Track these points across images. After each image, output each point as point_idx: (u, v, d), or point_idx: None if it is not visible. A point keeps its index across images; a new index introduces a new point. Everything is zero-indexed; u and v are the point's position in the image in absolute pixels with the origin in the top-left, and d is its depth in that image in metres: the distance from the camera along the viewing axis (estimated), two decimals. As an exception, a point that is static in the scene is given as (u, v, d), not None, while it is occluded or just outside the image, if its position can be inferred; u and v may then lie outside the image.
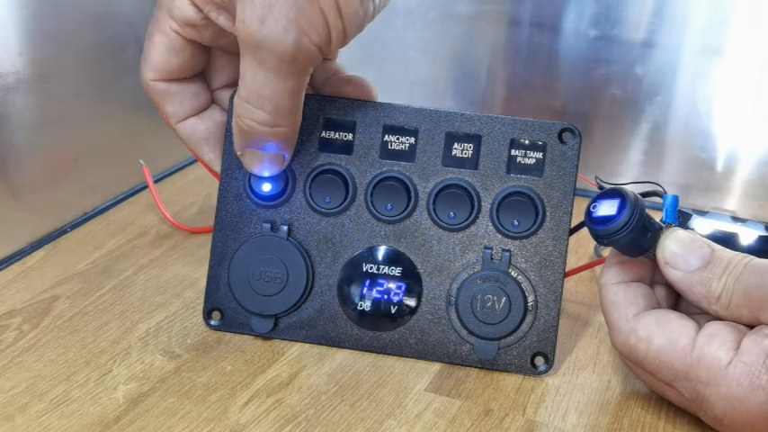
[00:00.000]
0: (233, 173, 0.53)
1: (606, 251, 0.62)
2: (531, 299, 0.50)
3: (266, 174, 0.51)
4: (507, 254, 0.51)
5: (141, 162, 0.67)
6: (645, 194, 0.48)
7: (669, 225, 0.47)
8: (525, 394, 0.49)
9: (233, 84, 0.55)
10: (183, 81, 0.53)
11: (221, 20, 0.49)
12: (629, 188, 0.47)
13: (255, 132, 0.48)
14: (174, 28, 0.50)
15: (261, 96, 0.46)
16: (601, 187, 0.49)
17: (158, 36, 0.51)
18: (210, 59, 0.54)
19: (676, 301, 0.49)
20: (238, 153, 0.50)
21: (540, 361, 0.51)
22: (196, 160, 0.61)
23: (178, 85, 0.52)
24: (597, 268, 0.61)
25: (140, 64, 0.52)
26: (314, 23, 0.44)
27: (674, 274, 0.46)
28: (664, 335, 0.45)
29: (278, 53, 0.44)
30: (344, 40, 0.46)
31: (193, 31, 0.51)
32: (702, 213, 0.65)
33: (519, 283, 0.50)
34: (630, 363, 0.48)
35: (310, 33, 0.45)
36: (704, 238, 0.47)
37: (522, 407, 0.48)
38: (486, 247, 0.51)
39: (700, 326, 0.45)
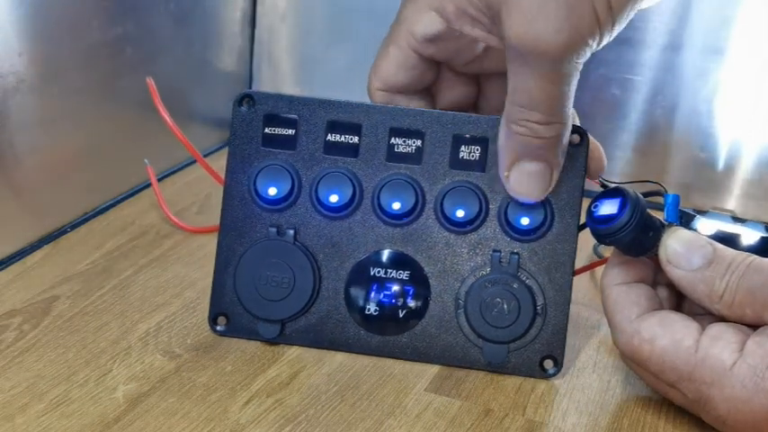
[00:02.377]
0: (238, 176, 0.52)
1: (607, 250, 0.62)
2: (540, 301, 0.50)
3: (533, 195, 0.48)
4: (516, 257, 0.50)
5: (146, 161, 0.66)
6: (646, 194, 0.48)
7: (671, 224, 0.47)
8: (525, 394, 0.49)
9: (458, 102, 0.54)
10: (407, 94, 0.52)
11: (476, 31, 0.48)
12: (630, 187, 0.47)
13: (530, 131, 0.46)
14: (411, 45, 0.49)
15: (533, 99, 0.45)
16: (604, 186, 0.49)
17: (393, 48, 0.50)
18: (440, 76, 0.53)
19: (678, 302, 0.49)
20: (505, 174, 0.48)
21: (549, 364, 0.50)
22: (196, 160, 0.60)
23: (401, 98, 0.52)
24: (597, 269, 0.61)
25: (370, 70, 0.52)
26: (586, 21, 0.43)
27: (676, 273, 0.46)
28: (667, 336, 0.45)
29: (550, 54, 0.43)
30: (609, 40, 0.45)
31: (432, 47, 0.49)
32: (702, 213, 0.65)
33: (528, 286, 0.50)
34: (633, 364, 0.48)
35: (582, 31, 0.43)
36: (706, 237, 0.47)
37: (522, 407, 0.48)
38: (494, 250, 0.51)
39: (703, 327, 0.45)
